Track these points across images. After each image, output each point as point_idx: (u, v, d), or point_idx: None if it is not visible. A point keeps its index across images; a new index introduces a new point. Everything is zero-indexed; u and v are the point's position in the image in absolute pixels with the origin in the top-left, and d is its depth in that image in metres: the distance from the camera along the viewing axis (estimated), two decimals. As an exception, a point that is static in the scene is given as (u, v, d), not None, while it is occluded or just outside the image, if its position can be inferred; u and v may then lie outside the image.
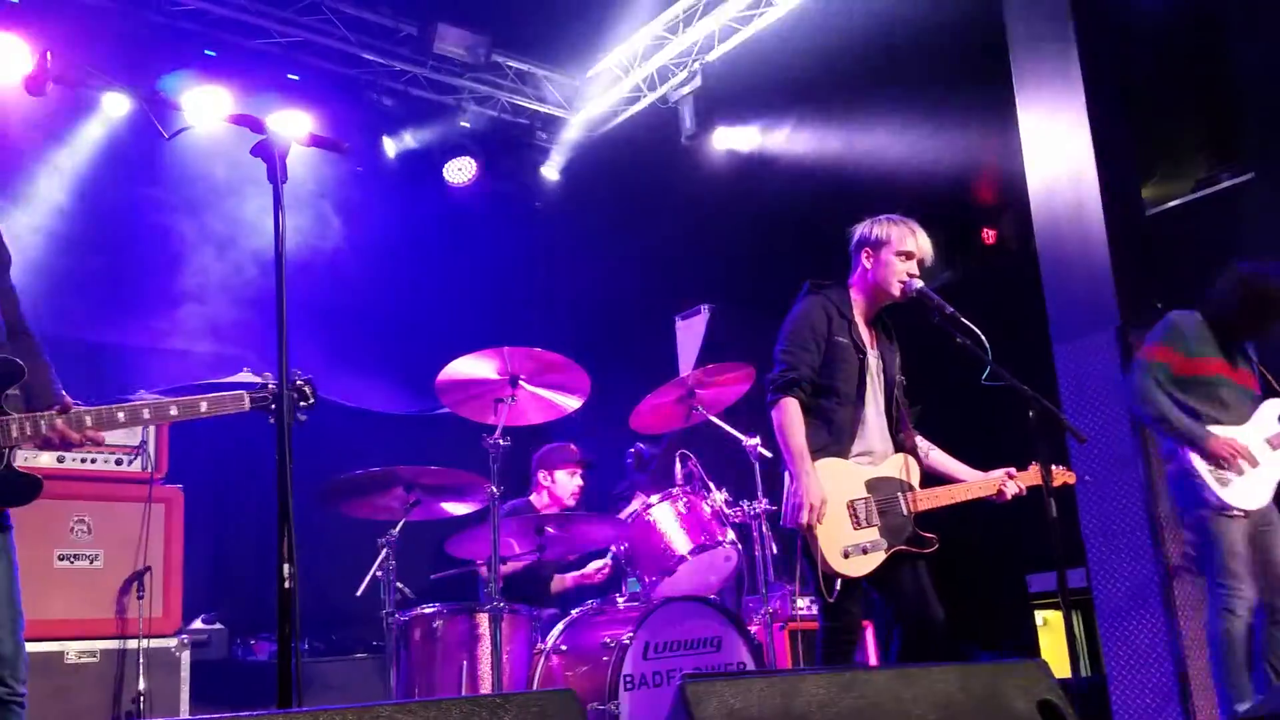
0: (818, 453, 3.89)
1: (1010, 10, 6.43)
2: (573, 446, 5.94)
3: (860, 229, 4.19)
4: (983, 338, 3.77)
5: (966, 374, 5.25)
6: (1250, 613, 4.46)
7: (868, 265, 4.12)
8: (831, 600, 3.77)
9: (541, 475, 5.72)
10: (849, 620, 3.87)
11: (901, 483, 3.99)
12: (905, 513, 3.94)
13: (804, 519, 3.75)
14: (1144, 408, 4.68)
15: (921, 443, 4.18)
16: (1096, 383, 5.63)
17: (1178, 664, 5.30)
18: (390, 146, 8.73)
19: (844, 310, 4.08)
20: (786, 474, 3.93)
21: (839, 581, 3.77)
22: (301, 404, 3.23)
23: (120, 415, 3.09)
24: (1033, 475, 4.03)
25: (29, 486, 2.97)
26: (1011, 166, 6.53)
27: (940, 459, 4.21)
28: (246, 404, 3.14)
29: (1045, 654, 6.41)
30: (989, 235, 8.11)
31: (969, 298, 4.15)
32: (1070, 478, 4.29)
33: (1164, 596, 5.43)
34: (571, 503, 5.77)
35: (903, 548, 3.89)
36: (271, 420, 3.04)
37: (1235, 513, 4.50)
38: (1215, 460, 4.49)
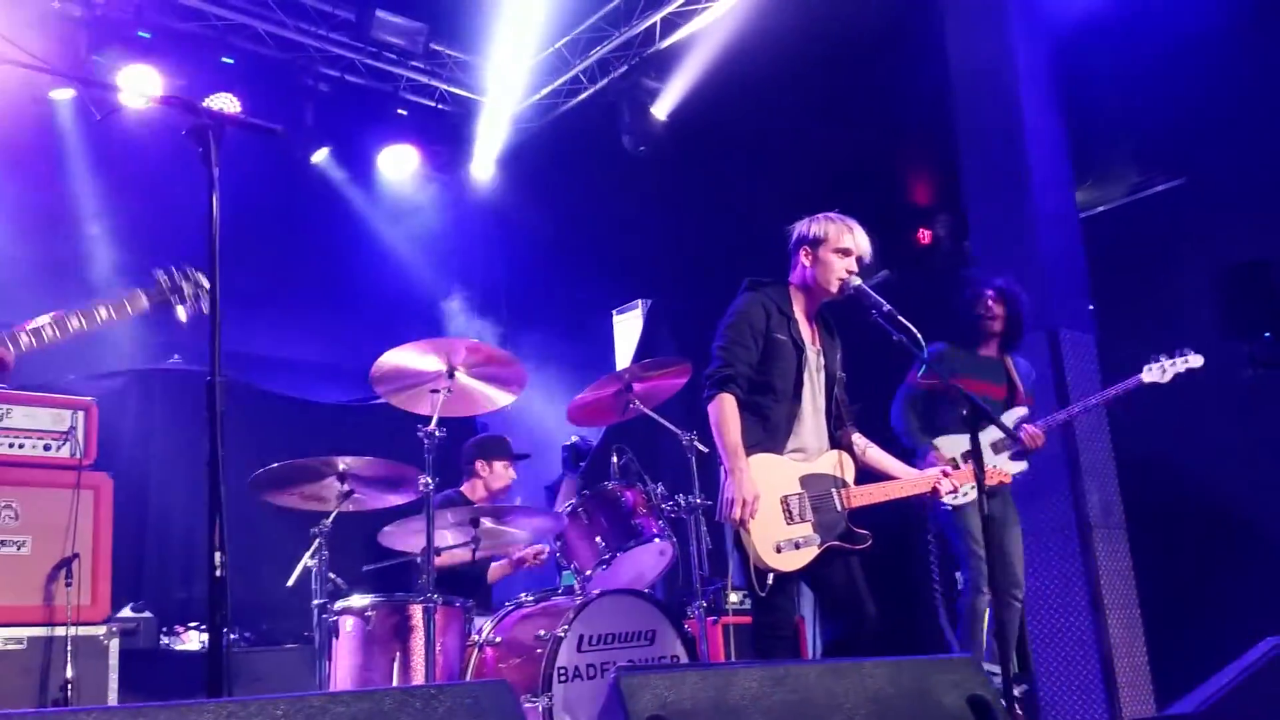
0: (752, 448, 3.90)
1: (950, 12, 6.51)
2: (507, 439, 5.94)
3: (799, 227, 4.20)
4: (919, 336, 3.81)
5: (902, 371, 5.36)
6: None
7: (806, 263, 4.13)
8: (763, 595, 3.79)
9: (480, 465, 5.71)
10: (781, 615, 3.89)
11: (835, 479, 4.01)
12: (839, 509, 3.96)
13: (737, 514, 3.77)
14: (896, 422, 5.30)
15: (859, 439, 4.18)
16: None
17: (1104, 660, 5.43)
18: (322, 153, 8.57)
19: (783, 307, 4.09)
20: (722, 469, 3.94)
21: (771, 576, 3.79)
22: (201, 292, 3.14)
23: (23, 339, 3.04)
24: (966, 473, 4.05)
25: None
26: (948, 167, 6.62)
27: (877, 456, 4.20)
28: (145, 303, 3.06)
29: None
30: (925, 235, 8.22)
31: (905, 296, 4.19)
32: (1005, 476, 4.32)
33: (1091, 594, 5.56)
34: (504, 494, 5.76)
35: (835, 543, 3.91)
36: (181, 318, 2.99)
37: (960, 500, 4.91)
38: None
